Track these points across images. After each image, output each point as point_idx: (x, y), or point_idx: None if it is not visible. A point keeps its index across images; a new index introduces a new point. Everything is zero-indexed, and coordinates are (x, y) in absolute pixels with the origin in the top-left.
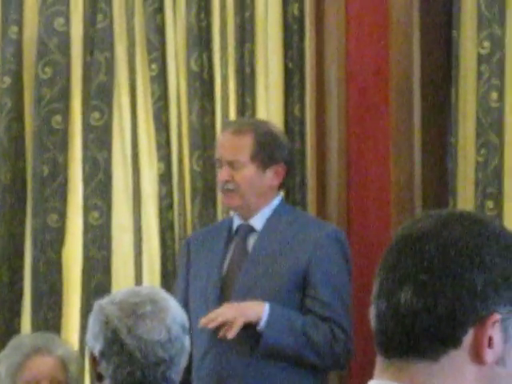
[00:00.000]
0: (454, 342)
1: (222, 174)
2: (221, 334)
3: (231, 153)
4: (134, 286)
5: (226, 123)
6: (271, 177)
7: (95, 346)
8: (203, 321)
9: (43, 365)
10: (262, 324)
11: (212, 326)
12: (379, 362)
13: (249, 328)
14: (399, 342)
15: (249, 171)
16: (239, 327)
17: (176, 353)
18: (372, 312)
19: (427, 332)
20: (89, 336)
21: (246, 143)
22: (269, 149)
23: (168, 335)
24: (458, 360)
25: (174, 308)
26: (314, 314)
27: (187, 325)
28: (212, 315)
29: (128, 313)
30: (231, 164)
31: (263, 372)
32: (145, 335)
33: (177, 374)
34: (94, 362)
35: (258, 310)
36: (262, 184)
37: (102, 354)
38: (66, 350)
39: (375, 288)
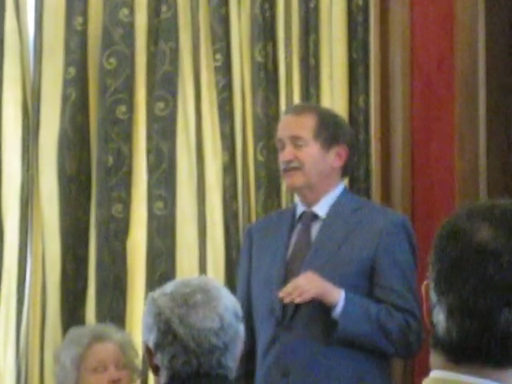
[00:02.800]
0: None
1: (285, 154)
2: (287, 298)
3: (294, 130)
4: (184, 277)
5: (287, 108)
6: (334, 158)
7: (150, 338)
8: (282, 294)
9: (106, 350)
10: (339, 310)
11: (288, 300)
12: (443, 361)
13: (317, 314)
14: (488, 355)
15: (312, 149)
16: (310, 297)
17: (230, 340)
18: (445, 324)
19: None
20: (143, 329)
21: (309, 121)
22: (332, 129)
23: (221, 323)
24: None
25: (225, 296)
26: (386, 304)
27: (240, 313)
28: (289, 288)
29: (179, 303)
30: (294, 141)
31: (329, 362)
32: (197, 324)
33: (232, 361)
34: (150, 354)
35: (335, 295)
36: (326, 164)
37: (157, 345)
38: (123, 335)
39: (449, 298)
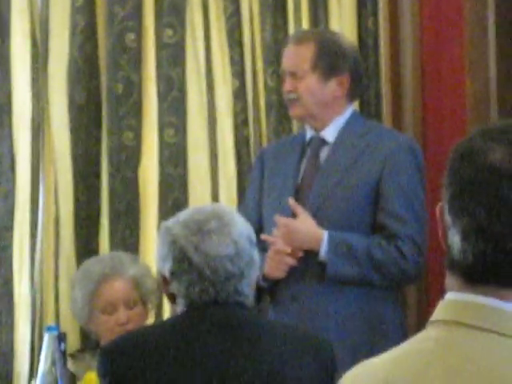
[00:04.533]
0: None
1: (285, 85)
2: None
3: (292, 63)
4: (197, 205)
5: (289, 37)
6: (334, 87)
7: (164, 266)
8: (277, 219)
9: (114, 289)
10: (323, 254)
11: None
12: (459, 283)
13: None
14: (503, 276)
15: (310, 81)
16: (289, 264)
17: (245, 266)
18: (460, 246)
19: None
20: (158, 258)
21: (306, 53)
22: (331, 58)
23: (235, 249)
24: None
25: (239, 222)
26: (385, 228)
27: (254, 238)
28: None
29: (193, 230)
30: (293, 74)
31: (337, 292)
32: (212, 251)
33: (249, 287)
34: (165, 282)
35: (316, 241)
36: (325, 94)
37: (172, 273)
38: (137, 268)
39: (464, 220)
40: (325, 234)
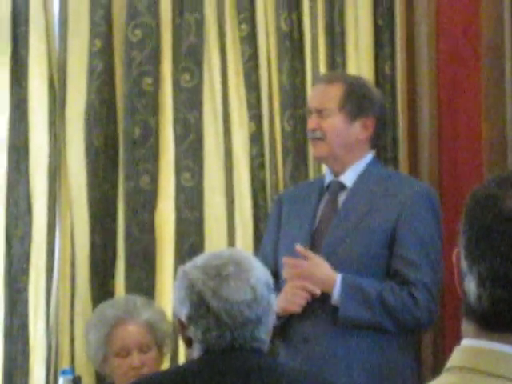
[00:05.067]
0: None
1: (310, 123)
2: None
3: (320, 100)
4: (215, 250)
5: (319, 76)
6: (359, 129)
7: (182, 311)
8: (298, 248)
9: (128, 333)
10: (336, 297)
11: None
12: (475, 330)
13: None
14: None
15: (336, 120)
16: (303, 302)
17: (263, 312)
18: (476, 292)
19: None
20: (175, 302)
21: (335, 92)
22: (358, 100)
23: (253, 295)
24: None
25: (257, 267)
26: (398, 274)
27: (271, 283)
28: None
29: (211, 275)
30: (319, 112)
31: (349, 336)
32: (230, 296)
33: (266, 334)
34: (183, 327)
35: (330, 283)
36: (349, 135)
37: (190, 318)
38: (151, 312)
39: (480, 267)
40: (338, 277)
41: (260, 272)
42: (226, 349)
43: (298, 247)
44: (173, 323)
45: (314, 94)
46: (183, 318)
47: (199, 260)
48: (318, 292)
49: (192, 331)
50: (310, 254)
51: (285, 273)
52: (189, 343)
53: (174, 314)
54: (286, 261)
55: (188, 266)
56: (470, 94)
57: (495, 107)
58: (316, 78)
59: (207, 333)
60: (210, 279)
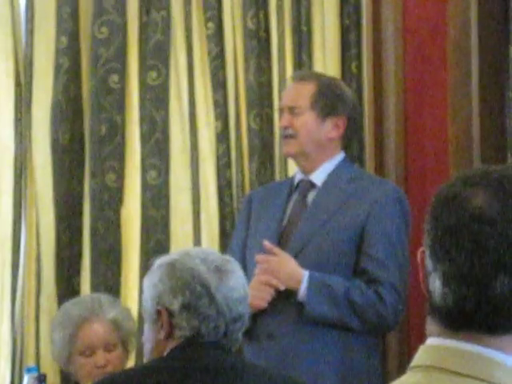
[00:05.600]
0: None
1: (282, 121)
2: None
3: (292, 98)
4: (185, 247)
5: (291, 75)
6: (330, 128)
7: (172, 300)
8: (265, 244)
9: (93, 332)
10: (302, 294)
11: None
12: (440, 328)
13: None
14: (484, 321)
15: (308, 118)
16: (267, 298)
17: (247, 311)
18: (441, 291)
19: None
20: (157, 293)
21: (308, 90)
22: (330, 99)
23: (245, 293)
24: None
25: (239, 268)
26: (365, 273)
27: None
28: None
29: (212, 268)
30: (291, 110)
31: (314, 334)
32: (230, 291)
33: (241, 334)
34: (169, 316)
35: (296, 280)
36: (321, 134)
37: (187, 306)
38: (117, 310)
39: (445, 266)
40: (305, 274)
41: (242, 274)
42: (205, 343)
43: (266, 243)
44: (138, 321)
45: (286, 91)
46: (174, 307)
47: (192, 252)
48: (281, 287)
49: (184, 319)
50: (276, 250)
51: (257, 269)
52: (169, 333)
53: (150, 305)
54: (258, 258)
55: (175, 255)
56: (437, 93)
57: (461, 106)
58: (290, 76)
59: (204, 322)
60: (212, 271)
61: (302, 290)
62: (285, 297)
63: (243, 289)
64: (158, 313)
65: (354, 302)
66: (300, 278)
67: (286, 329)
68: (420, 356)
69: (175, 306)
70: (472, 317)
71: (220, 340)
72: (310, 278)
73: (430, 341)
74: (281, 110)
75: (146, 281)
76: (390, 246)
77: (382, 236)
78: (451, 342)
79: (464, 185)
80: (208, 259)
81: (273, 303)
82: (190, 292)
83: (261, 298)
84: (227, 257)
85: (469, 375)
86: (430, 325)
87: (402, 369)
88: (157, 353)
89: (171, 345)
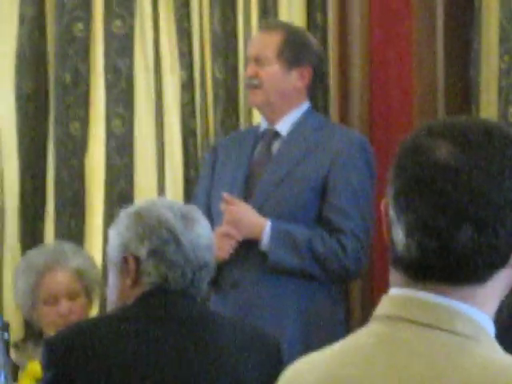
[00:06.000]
0: (505, 263)
1: (248, 70)
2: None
3: (258, 48)
4: (147, 196)
5: (261, 23)
6: (296, 78)
7: (139, 247)
8: (225, 195)
9: (57, 281)
10: (265, 243)
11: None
12: (403, 279)
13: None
14: (447, 272)
15: (273, 68)
16: (230, 248)
17: (212, 260)
18: (404, 242)
19: (485, 263)
20: (123, 240)
21: (274, 40)
22: (296, 49)
23: (211, 241)
24: (502, 275)
25: (204, 217)
26: (328, 222)
27: None
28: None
29: (179, 216)
30: (257, 60)
31: (278, 283)
32: (197, 238)
33: (206, 283)
34: (136, 262)
35: (259, 230)
36: (286, 83)
37: (154, 253)
38: (80, 258)
39: (408, 216)
40: (267, 223)
41: (207, 223)
42: (172, 291)
43: (225, 195)
44: (102, 270)
45: (252, 41)
46: (142, 253)
47: (158, 202)
48: (239, 238)
49: (151, 265)
50: (236, 200)
51: (222, 206)
52: (136, 280)
53: (116, 253)
54: (222, 207)
55: (141, 204)
56: (402, 43)
57: (426, 57)
58: (259, 26)
59: (172, 268)
60: (179, 219)
61: (265, 239)
62: (248, 246)
63: (209, 237)
64: (125, 260)
65: (316, 250)
66: (262, 227)
67: (249, 278)
68: (383, 306)
69: (142, 252)
70: (435, 267)
71: (187, 288)
72: (273, 227)
73: (393, 291)
74: (247, 60)
75: (112, 230)
76: (352, 195)
77: (345, 185)
78: (414, 292)
79: (428, 136)
80: (174, 207)
81: (236, 252)
82: (157, 237)
83: (222, 248)
84: (192, 206)
85: (431, 325)
86: (393, 275)
87: (365, 318)
88: (122, 301)
89: (137, 292)
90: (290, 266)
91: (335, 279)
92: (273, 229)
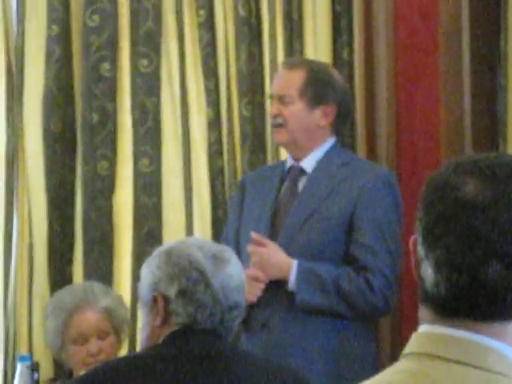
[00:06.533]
0: None
1: (272, 109)
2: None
3: (281, 87)
4: (175, 236)
5: (282, 62)
6: (320, 116)
7: (168, 287)
8: (253, 235)
9: (86, 320)
10: (292, 283)
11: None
12: (432, 316)
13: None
14: (477, 308)
15: (296, 107)
16: (257, 294)
17: (243, 301)
18: (433, 278)
19: None
20: (154, 279)
21: (297, 78)
22: (319, 87)
23: (242, 282)
24: None
25: (236, 257)
26: (355, 260)
27: None
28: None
29: (210, 256)
30: (281, 99)
31: (306, 321)
32: (227, 279)
33: (237, 323)
34: (166, 301)
35: (285, 270)
36: (310, 122)
37: (183, 293)
38: (109, 298)
39: (437, 253)
40: (294, 263)
41: (239, 263)
42: (201, 330)
43: (254, 235)
44: (131, 310)
45: (276, 79)
46: (170, 293)
47: (188, 242)
48: (266, 280)
49: (180, 305)
50: (264, 240)
51: (249, 247)
52: (165, 319)
53: (146, 292)
54: (249, 250)
55: (171, 244)
56: (428, 79)
57: (453, 92)
58: (280, 64)
59: (200, 309)
60: (209, 259)
61: (292, 279)
62: (276, 286)
63: (240, 277)
64: (154, 299)
65: (343, 289)
66: (289, 267)
67: (278, 318)
68: (413, 343)
69: (171, 292)
70: (464, 304)
71: (216, 328)
72: (299, 266)
73: (423, 328)
74: (271, 98)
75: (144, 269)
76: (379, 232)
77: (371, 222)
78: (444, 328)
79: (456, 172)
80: (205, 247)
81: (265, 293)
82: (187, 278)
83: (251, 292)
84: (224, 246)
85: (462, 362)
86: (423, 312)
87: (394, 356)
88: (152, 340)
89: (167, 332)
90: (317, 304)
91: (363, 317)
92: (299, 268)
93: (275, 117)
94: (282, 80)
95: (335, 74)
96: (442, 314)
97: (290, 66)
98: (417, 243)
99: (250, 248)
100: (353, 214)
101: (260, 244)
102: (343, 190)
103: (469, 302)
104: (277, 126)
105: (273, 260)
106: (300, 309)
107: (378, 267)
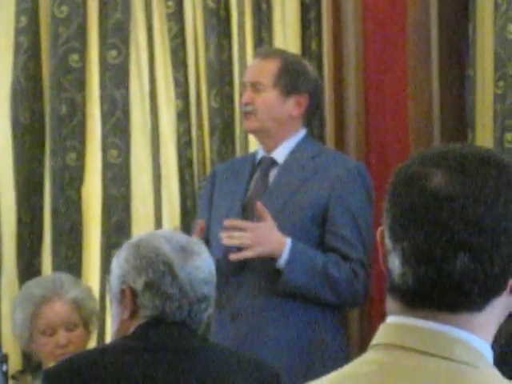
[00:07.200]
0: (502, 289)
1: (244, 97)
2: (232, 256)
3: (255, 75)
4: (145, 228)
5: (256, 51)
6: (292, 106)
7: (136, 279)
8: (227, 223)
9: (55, 312)
10: (282, 262)
11: (226, 242)
12: (400, 307)
13: (267, 262)
14: (444, 300)
15: (269, 95)
16: (248, 257)
17: (212, 293)
18: (400, 270)
19: (482, 290)
20: (122, 272)
21: (271, 67)
22: (293, 77)
23: (210, 274)
24: (499, 301)
25: (205, 249)
26: (335, 251)
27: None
28: (235, 223)
29: (177, 248)
30: (254, 86)
31: (280, 309)
32: (194, 271)
33: (207, 315)
34: (133, 295)
35: (280, 247)
36: (282, 111)
37: (150, 285)
38: (78, 289)
39: (404, 244)
40: (288, 241)
41: (208, 255)
42: (170, 322)
43: (259, 205)
44: (100, 301)
45: (249, 67)
46: (138, 285)
47: (157, 235)
48: (254, 253)
49: (147, 298)
50: (265, 213)
51: (245, 238)
52: (133, 312)
53: (115, 285)
54: (227, 223)
55: (141, 237)
56: (397, 70)
57: (421, 84)
58: (255, 52)
59: (167, 302)
60: (176, 251)
61: (284, 257)
62: (251, 277)
63: (209, 270)
64: (122, 292)
65: (332, 274)
66: (283, 245)
67: (249, 310)
68: (380, 334)
69: (139, 284)
70: (431, 295)
71: (184, 320)
72: (293, 245)
73: (390, 319)
74: (243, 86)
75: (114, 261)
76: (354, 224)
77: (346, 213)
78: (411, 319)
79: (423, 164)
80: (173, 239)
81: (236, 284)
82: (153, 271)
83: (233, 237)
84: (194, 239)
85: (429, 353)
86: (390, 303)
87: (363, 347)
88: (122, 333)
89: (135, 324)
90: (302, 285)
91: (345, 304)
92: (293, 247)
93: (246, 104)
94: (256, 68)
95: (308, 65)
96: (409, 305)
97: (264, 55)
98: (384, 235)
99: (239, 223)
100: (326, 206)
101: (263, 216)
102: (315, 182)
103: (436, 293)
104: (246, 113)
105: (273, 237)
106: (280, 290)
107: (357, 258)
